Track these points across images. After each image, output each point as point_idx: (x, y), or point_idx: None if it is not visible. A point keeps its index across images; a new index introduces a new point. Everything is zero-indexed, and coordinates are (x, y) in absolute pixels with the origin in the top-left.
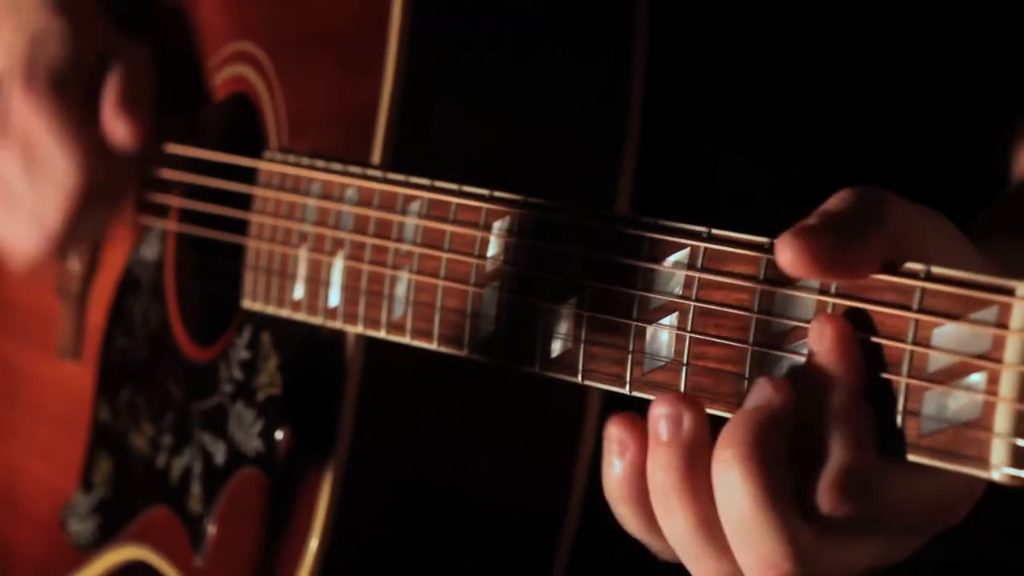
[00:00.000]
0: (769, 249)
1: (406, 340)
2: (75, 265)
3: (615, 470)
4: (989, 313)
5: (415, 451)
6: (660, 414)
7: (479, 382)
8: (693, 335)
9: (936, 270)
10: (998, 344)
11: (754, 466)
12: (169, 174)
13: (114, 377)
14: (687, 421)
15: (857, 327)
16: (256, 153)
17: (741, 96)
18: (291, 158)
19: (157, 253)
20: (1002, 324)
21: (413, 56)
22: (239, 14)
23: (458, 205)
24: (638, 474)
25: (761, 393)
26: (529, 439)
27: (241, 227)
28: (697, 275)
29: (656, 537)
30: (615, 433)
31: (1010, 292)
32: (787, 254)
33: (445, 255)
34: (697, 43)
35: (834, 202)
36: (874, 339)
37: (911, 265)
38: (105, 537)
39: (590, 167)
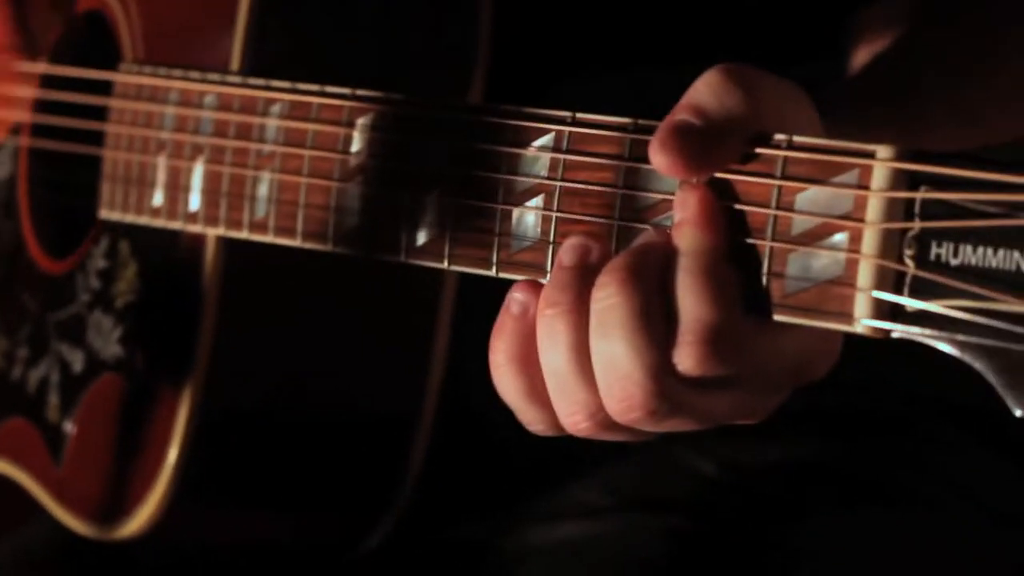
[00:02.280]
0: (632, 130)
1: (269, 238)
2: None
3: (507, 327)
4: (850, 176)
5: (275, 355)
6: (570, 244)
7: (337, 281)
8: (559, 214)
9: (798, 139)
10: (859, 205)
11: (630, 289)
12: (22, 91)
13: None
14: (594, 251)
15: (721, 196)
16: (111, 68)
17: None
18: (147, 68)
19: (8, 172)
20: (863, 186)
21: None
22: None
23: (320, 104)
24: (529, 328)
25: (643, 237)
26: (387, 335)
27: (97, 140)
28: (562, 157)
29: (530, 398)
30: (519, 296)
31: (871, 155)
32: (662, 159)
33: (308, 152)
34: None
35: (704, 93)
36: (738, 207)
37: (775, 136)
38: None
39: (447, 64)
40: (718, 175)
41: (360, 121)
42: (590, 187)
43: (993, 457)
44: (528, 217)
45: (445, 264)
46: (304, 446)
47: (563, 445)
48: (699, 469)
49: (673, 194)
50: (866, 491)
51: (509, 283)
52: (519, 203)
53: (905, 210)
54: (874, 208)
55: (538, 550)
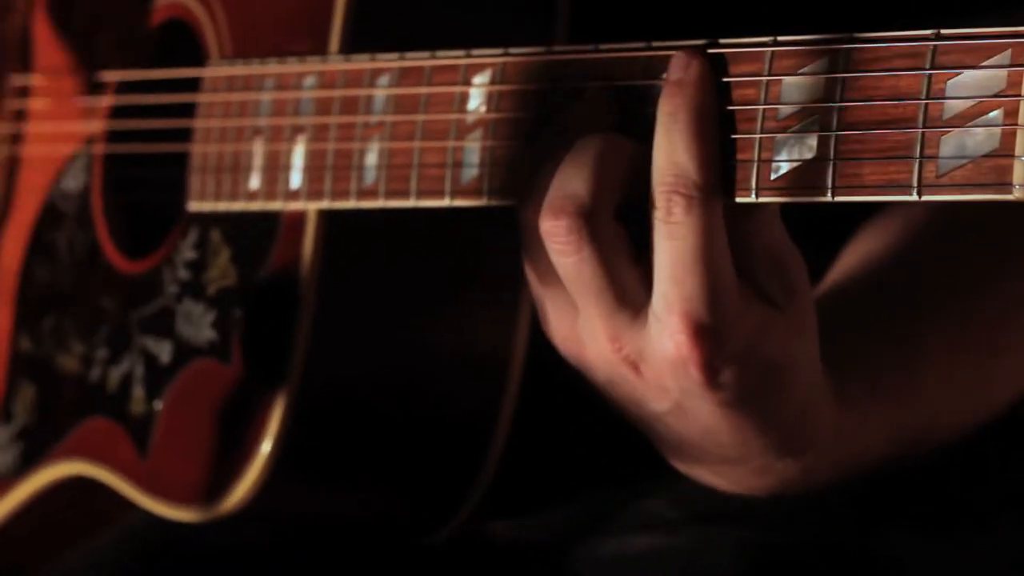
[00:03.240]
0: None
1: (379, 203)
2: None
3: None
4: (1003, 57)
5: (369, 337)
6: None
7: (429, 256)
8: None
9: (945, 31)
10: (1013, 82)
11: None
12: (95, 102)
13: (35, 309)
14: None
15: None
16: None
17: None
18: (239, 61)
19: (82, 183)
20: (1017, 64)
21: None
22: None
23: (432, 68)
24: None
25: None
26: (474, 321)
27: (178, 137)
28: None
29: None
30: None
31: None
32: None
33: (421, 117)
34: None
35: None
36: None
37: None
38: (29, 462)
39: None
40: (866, 73)
41: (476, 79)
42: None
43: None
44: None
45: None
46: (393, 429)
47: (637, 456)
48: None
49: None
50: (945, 506)
51: None
52: None
53: None
54: None
55: (610, 561)
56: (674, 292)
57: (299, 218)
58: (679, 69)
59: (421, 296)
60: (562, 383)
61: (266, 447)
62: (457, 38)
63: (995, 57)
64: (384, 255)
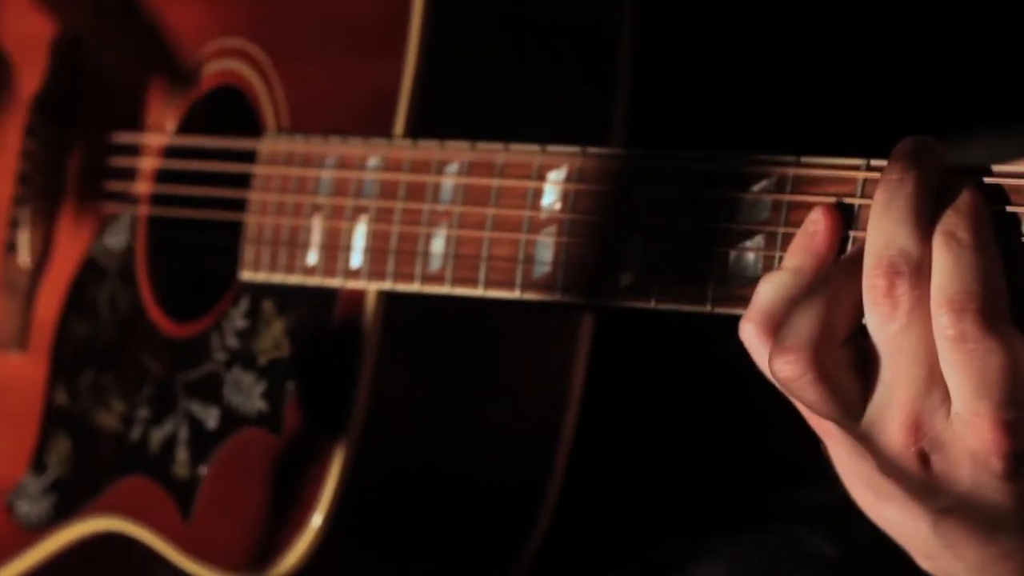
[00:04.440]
0: (864, 168)
1: (444, 290)
2: (24, 260)
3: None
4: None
5: (422, 416)
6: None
7: (481, 338)
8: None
9: None
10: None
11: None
12: (143, 163)
13: (72, 362)
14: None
15: None
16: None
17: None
18: (298, 137)
19: (125, 241)
20: None
21: (433, 41)
22: (225, 12)
23: (506, 161)
24: None
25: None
26: (523, 395)
27: (227, 206)
28: (786, 198)
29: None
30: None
31: None
32: None
33: (491, 210)
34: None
35: None
36: None
37: None
38: (62, 514)
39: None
40: None
41: (551, 174)
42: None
43: None
44: (748, 256)
45: (652, 303)
46: (441, 503)
47: (683, 525)
48: (820, 549)
49: None
50: None
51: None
52: (738, 244)
53: None
54: None
55: None
56: (981, 404)
57: (358, 294)
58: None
59: (473, 369)
60: (608, 451)
61: (317, 519)
62: (519, 131)
63: None
64: (440, 330)
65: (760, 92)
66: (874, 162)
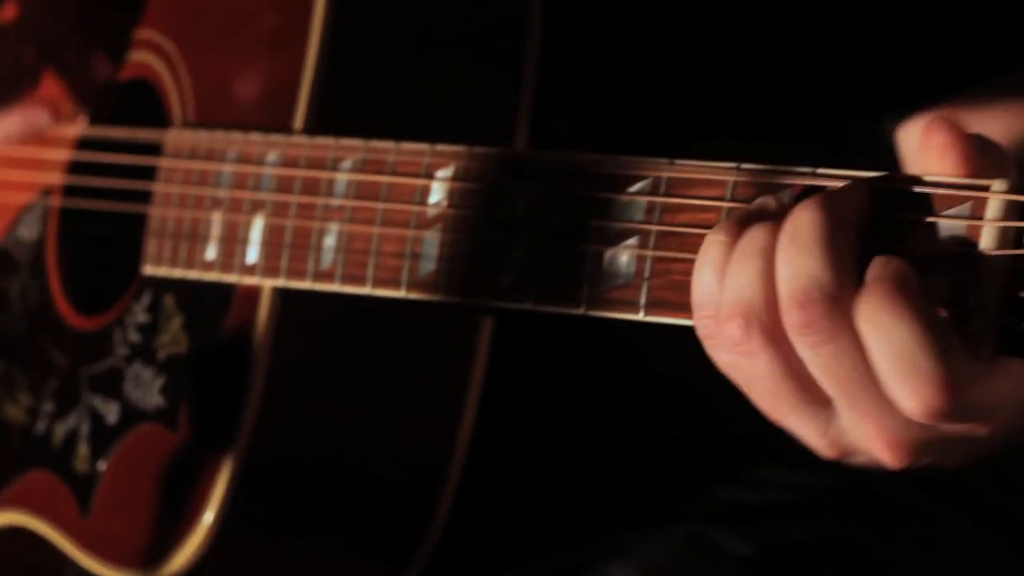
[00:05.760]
0: (735, 172)
1: (334, 287)
2: None
3: None
4: None
5: (316, 412)
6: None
7: (378, 336)
8: (654, 253)
9: None
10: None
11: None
12: (54, 154)
13: None
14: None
15: None
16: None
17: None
18: (201, 130)
19: (37, 233)
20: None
21: (335, 35)
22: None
23: (396, 159)
24: None
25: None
26: (422, 388)
27: (135, 198)
28: (660, 200)
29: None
30: None
31: None
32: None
33: (382, 205)
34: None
35: None
36: None
37: None
38: None
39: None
40: None
41: (439, 173)
42: (691, 229)
43: (998, 542)
44: (622, 257)
45: (530, 305)
46: (336, 500)
47: (596, 523)
48: (733, 549)
49: None
50: (890, 572)
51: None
52: (613, 244)
53: None
54: None
55: None
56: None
57: (253, 290)
58: None
59: (369, 369)
60: (513, 450)
61: (209, 516)
62: (421, 129)
63: None
64: (335, 329)
65: (666, 90)
66: (744, 166)
